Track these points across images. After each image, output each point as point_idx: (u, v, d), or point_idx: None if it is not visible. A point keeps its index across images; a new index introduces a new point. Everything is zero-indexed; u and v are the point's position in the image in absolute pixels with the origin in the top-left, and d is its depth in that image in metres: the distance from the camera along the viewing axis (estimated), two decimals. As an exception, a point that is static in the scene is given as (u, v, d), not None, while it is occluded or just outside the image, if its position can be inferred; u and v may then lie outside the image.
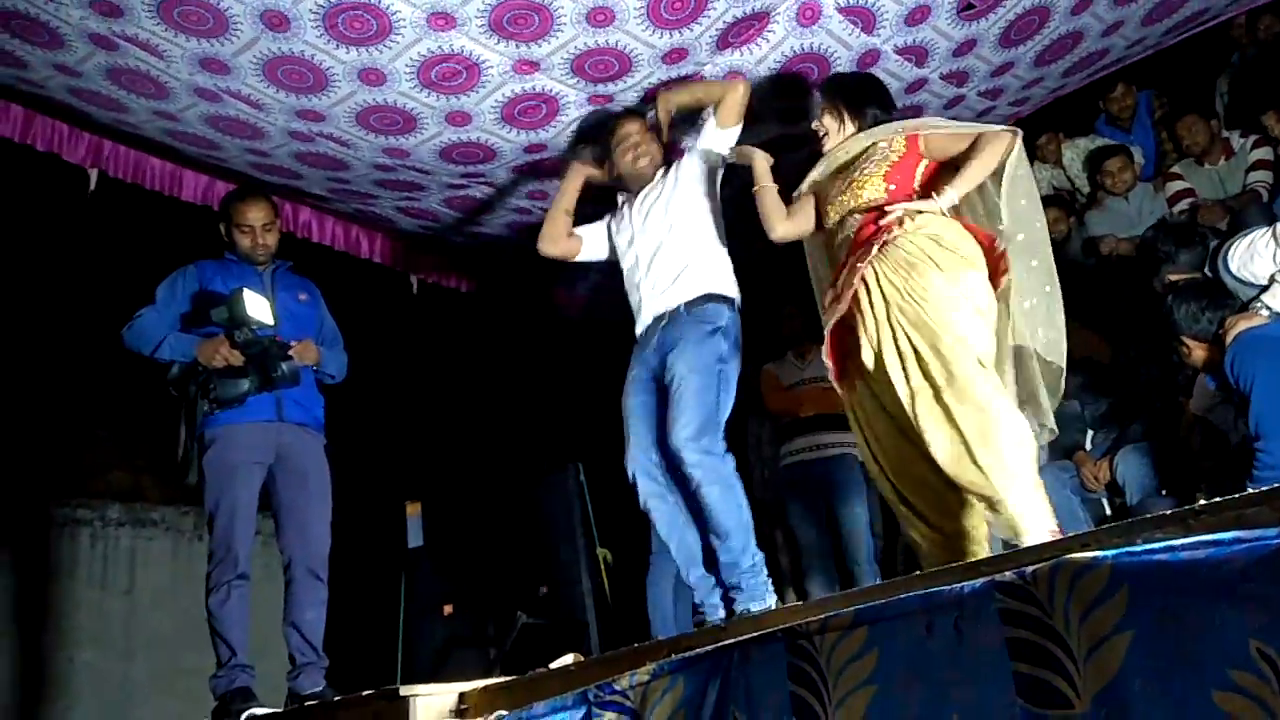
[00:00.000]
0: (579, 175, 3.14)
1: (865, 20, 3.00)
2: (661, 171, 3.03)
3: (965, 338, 2.22)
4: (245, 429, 3.06)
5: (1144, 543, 1.07)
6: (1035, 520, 2.06)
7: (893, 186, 2.50)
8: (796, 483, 4.26)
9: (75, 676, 4.78)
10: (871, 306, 2.35)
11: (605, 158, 3.12)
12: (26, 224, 4.68)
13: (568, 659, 2.13)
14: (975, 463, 2.13)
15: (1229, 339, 2.87)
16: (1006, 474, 2.12)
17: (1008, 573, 1.15)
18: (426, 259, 4.35)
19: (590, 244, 3.12)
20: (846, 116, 2.68)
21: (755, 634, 1.45)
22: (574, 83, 3.08)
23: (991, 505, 2.14)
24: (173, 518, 5.53)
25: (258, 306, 2.95)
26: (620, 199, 3.11)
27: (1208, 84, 4.75)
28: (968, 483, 2.17)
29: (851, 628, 1.32)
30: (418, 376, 5.54)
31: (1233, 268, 3.07)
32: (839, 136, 2.68)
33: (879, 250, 2.35)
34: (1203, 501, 1.13)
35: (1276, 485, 1.08)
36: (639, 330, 2.93)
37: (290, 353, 3.04)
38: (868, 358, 2.36)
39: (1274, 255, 2.94)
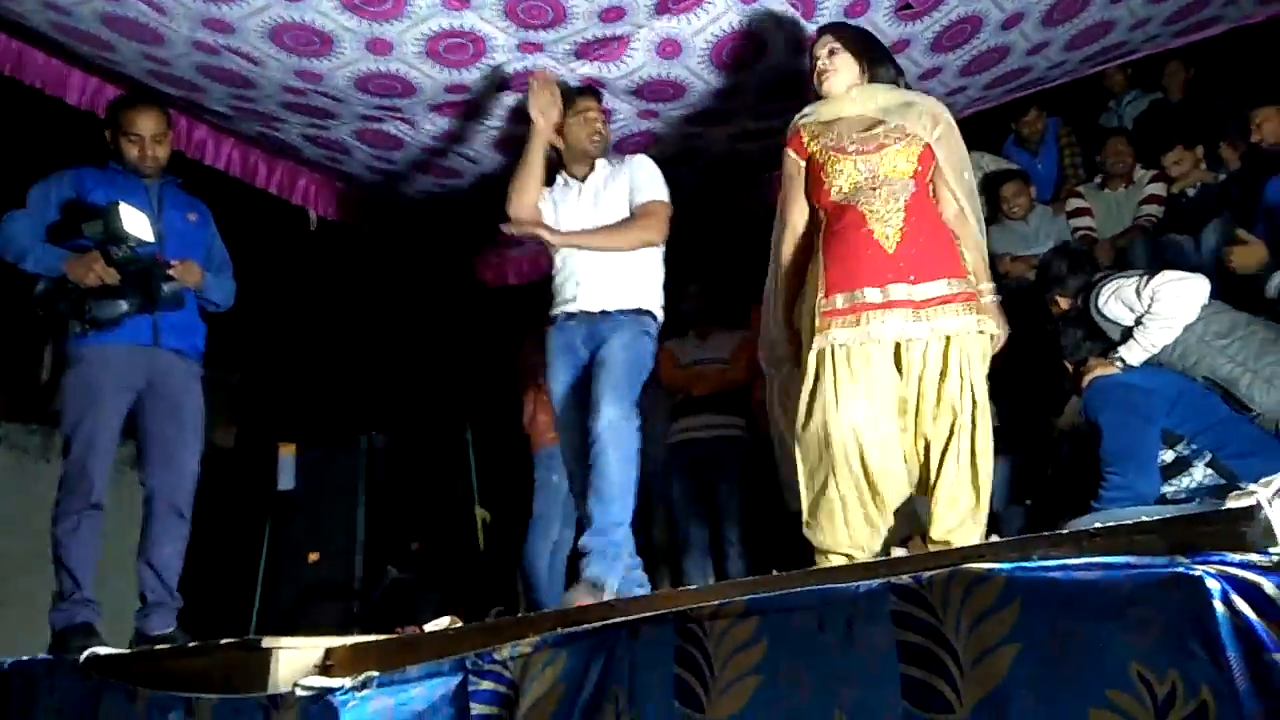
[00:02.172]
0: (544, 141, 2.99)
1: (806, 5, 2.99)
2: (608, 163, 3.04)
3: None
4: (116, 351, 2.87)
5: (1039, 559, 1.10)
6: None
7: (920, 168, 2.44)
8: (683, 461, 4.30)
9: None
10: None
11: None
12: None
13: (444, 621, 2.07)
14: None
15: (1084, 382, 3.07)
16: None
17: (905, 576, 1.16)
18: (327, 193, 4.14)
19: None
20: (863, 64, 2.55)
21: (646, 614, 1.44)
22: (505, 25, 2.97)
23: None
24: (18, 435, 5.19)
25: (136, 222, 2.75)
26: (561, 178, 3.07)
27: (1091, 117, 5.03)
28: None
29: (744, 616, 1.32)
30: (309, 314, 5.32)
31: (1099, 304, 3.23)
32: (849, 80, 2.55)
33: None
34: (1098, 525, 1.16)
35: (1168, 517, 1.12)
36: (564, 310, 2.93)
37: (172, 273, 2.85)
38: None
39: (1134, 306, 3.12)
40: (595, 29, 3.00)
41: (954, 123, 2.52)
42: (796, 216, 2.59)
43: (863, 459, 2.30)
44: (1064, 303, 3.43)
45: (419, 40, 3.01)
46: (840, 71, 2.55)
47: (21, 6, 2.91)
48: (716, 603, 1.34)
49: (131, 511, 2.97)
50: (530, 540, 3.87)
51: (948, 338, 2.32)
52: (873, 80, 2.55)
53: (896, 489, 2.33)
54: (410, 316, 5.28)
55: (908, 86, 2.67)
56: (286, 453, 5.13)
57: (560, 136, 3.03)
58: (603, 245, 2.92)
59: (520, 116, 3.43)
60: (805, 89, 2.69)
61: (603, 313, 2.88)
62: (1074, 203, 4.42)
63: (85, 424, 2.82)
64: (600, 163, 3.04)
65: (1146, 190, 4.28)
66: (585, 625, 1.48)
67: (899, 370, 2.35)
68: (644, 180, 2.96)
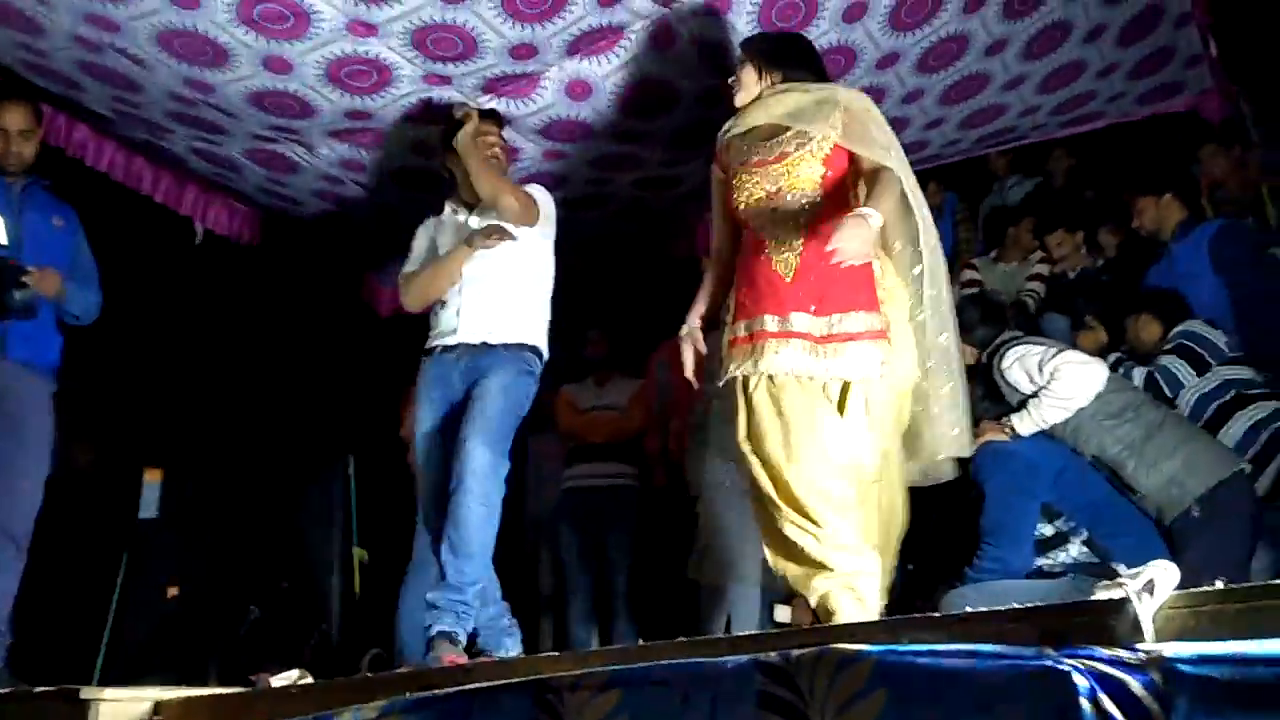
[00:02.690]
0: (467, 258, 2.83)
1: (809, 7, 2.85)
2: None
3: None
4: (-46, 361, 2.63)
5: (909, 642, 1.05)
6: None
7: (829, 173, 2.29)
8: (573, 508, 4.21)
9: None
10: None
11: (444, 147, 2.92)
12: None
13: (291, 675, 1.92)
14: None
15: (976, 444, 3.12)
16: None
17: (773, 654, 1.10)
18: (215, 207, 3.94)
19: None
20: (765, 72, 2.42)
21: (503, 681, 1.34)
22: (411, 56, 2.88)
23: None
24: None
25: None
26: (449, 206, 2.97)
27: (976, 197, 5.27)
28: None
29: (605, 688, 1.24)
30: (185, 332, 5.05)
31: (1002, 366, 3.29)
32: (753, 91, 2.43)
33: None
34: (969, 610, 1.13)
35: (1039, 605, 1.10)
36: (441, 343, 2.81)
37: (26, 280, 2.64)
38: None
39: (1034, 378, 3.19)
40: (505, 65, 2.95)
41: (868, 105, 2.36)
42: (719, 233, 2.52)
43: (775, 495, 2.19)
44: (969, 354, 3.40)
45: (320, 63, 2.90)
46: (744, 83, 2.46)
47: (-119, -16, 2.69)
48: (578, 673, 1.26)
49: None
50: (406, 589, 3.69)
51: (845, 382, 2.18)
52: (786, 83, 2.41)
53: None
54: (295, 340, 5.06)
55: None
56: (152, 478, 4.82)
57: (453, 157, 2.88)
58: (478, 177, 2.76)
59: (421, 149, 3.35)
60: (809, 66, 2.53)
61: (484, 345, 2.75)
62: (968, 274, 4.57)
63: (-88, 439, 2.57)
64: None
65: (1034, 269, 4.46)
66: (437, 690, 1.37)
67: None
68: (530, 188, 2.87)
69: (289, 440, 4.92)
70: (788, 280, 2.25)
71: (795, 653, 1.10)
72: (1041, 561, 3.11)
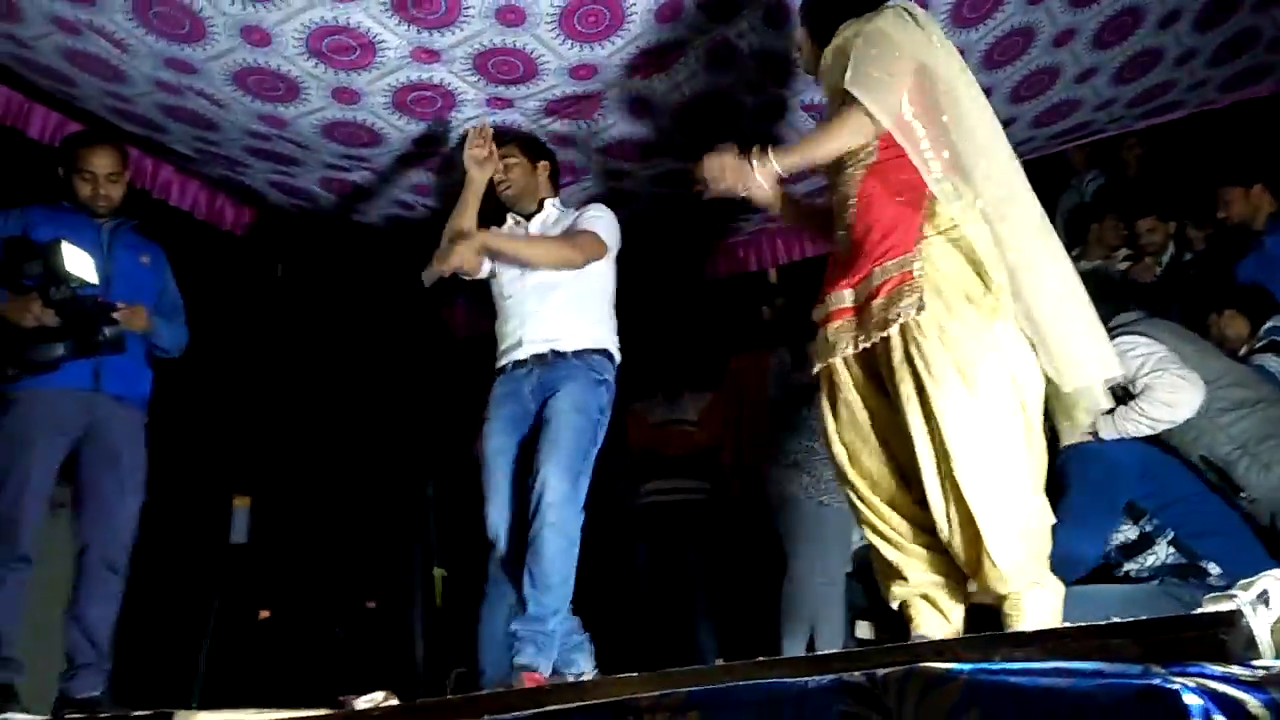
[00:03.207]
0: (478, 192, 2.92)
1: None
2: (558, 207, 2.97)
3: None
4: (53, 396, 2.75)
5: (1001, 660, 1.00)
6: None
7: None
8: (649, 524, 4.19)
9: None
10: None
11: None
12: None
13: (378, 697, 1.94)
14: None
15: (1063, 444, 3.00)
16: None
17: (857, 673, 1.06)
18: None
19: (486, 264, 2.94)
20: (814, 37, 2.29)
21: (579, 704, 1.32)
22: (474, 80, 2.92)
23: None
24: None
25: (79, 261, 2.65)
26: (510, 218, 3.01)
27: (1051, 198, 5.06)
28: None
29: (684, 709, 1.21)
30: (271, 362, 5.20)
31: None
32: (815, 60, 2.30)
33: None
34: (1066, 625, 1.07)
35: (1144, 620, 1.04)
36: (510, 359, 2.81)
37: (116, 316, 2.75)
38: None
39: (1127, 382, 3.03)
40: (566, 85, 2.97)
41: (875, 23, 2.10)
42: None
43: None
44: None
45: (387, 91, 2.96)
46: (803, 54, 2.38)
47: (-19, 39, 2.84)
48: (656, 694, 1.23)
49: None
50: (486, 609, 3.71)
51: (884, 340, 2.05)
52: (832, 41, 2.24)
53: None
54: (374, 366, 5.17)
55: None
56: (240, 504, 4.97)
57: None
58: (519, 252, 2.78)
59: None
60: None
61: (552, 353, 2.73)
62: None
63: (16, 472, 2.69)
64: (550, 203, 2.96)
65: (1119, 266, 4.29)
66: (514, 713, 1.36)
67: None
68: (588, 216, 2.86)
69: (371, 464, 5.01)
70: (846, 254, 2.19)
71: (881, 672, 1.05)
72: (1129, 567, 2.97)
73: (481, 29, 2.69)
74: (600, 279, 2.85)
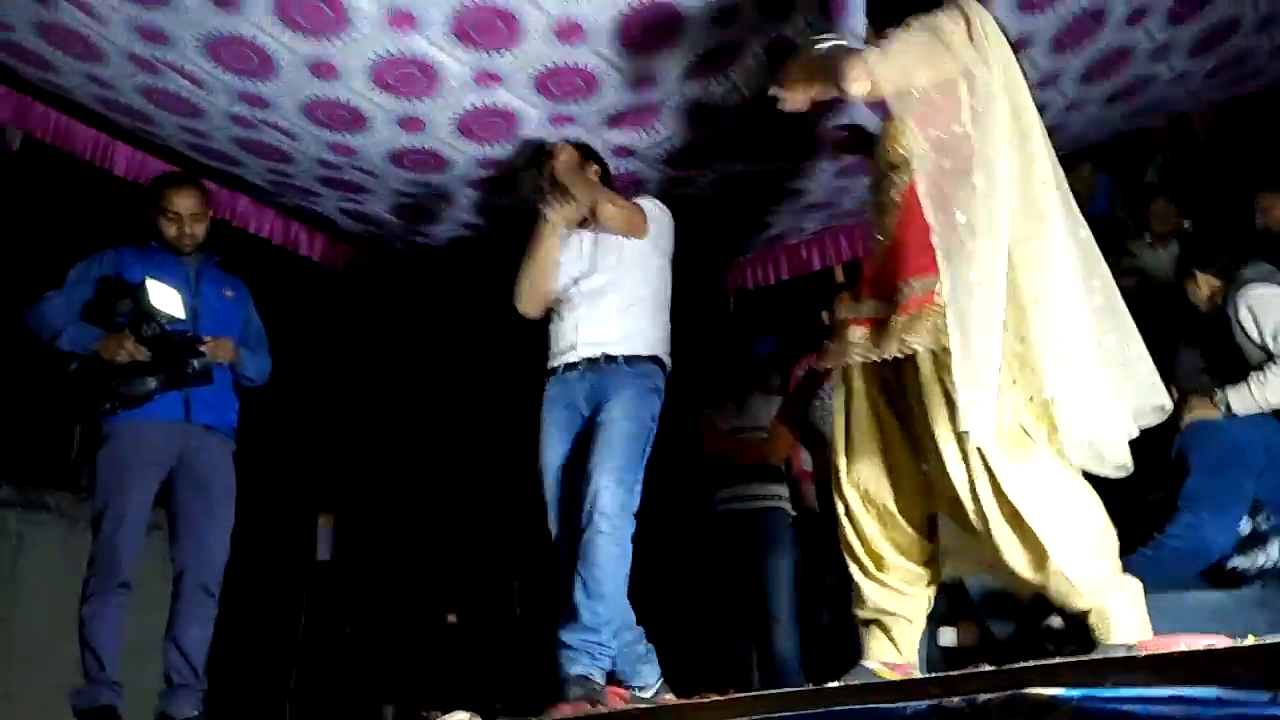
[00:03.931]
0: (557, 238, 2.88)
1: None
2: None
3: None
4: (147, 428, 2.86)
5: (1112, 686, 0.96)
6: None
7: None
8: (726, 533, 4.16)
9: (-58, 663, 4.44)
10: None
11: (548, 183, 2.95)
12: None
13: (462, 716, 1.97)
14: None
15: (1184, 422, 2.84)
16: None
17: (956, 699, 1.03)
18: (367, 263, 4.15)
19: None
20: (876, 35, 2.19)
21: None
22: (536, 100, 2.95)
23: None
24: (67, 504, 5.21)
25: (166, 298, 2.76)
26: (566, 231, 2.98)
27: (1139, 171, 4.86)
28: None
29: (776, 736, 1.19)
30: (348, 383, 5.32)
31: (1238, 309, 2.90)
32: None
33: None
34: (1182, 647, 1.03)
35: (1266, 642, 0.98)
36: (562, 361, 2.80)
37: (203, 349, 2.84)
38: None
39: (1268, 342, 2.80)
40: (625, 98, 2.97)
41: (924, 18, 2.03)
42: None
43: None
44: (1205, 285, 3.02)
45: (451, 118, 3.01)
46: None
47: (67, 81, 2.97)
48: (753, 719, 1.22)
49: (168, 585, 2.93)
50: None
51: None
52: None
53: None
54: (449, 385, 5.25)
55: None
56: (326, 523, 5.10)
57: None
58: (603, 207, 2.77)
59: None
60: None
61: (605, 358, 2.73)
62: (1126, 261, 4.25)
63: (115, 502, 2.80)
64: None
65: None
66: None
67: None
68: (634, 199, 2.87)
69: (447, 480, 5.09)
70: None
71: (981, 697, 1.02)
72: (1237, 562, 2.81)
73: (541, 49, 2.71)
74: (655, 282, 2.85)
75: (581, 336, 2.76)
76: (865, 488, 2.11)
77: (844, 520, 2.13)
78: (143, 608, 2.90)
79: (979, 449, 1.84)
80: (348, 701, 4.32)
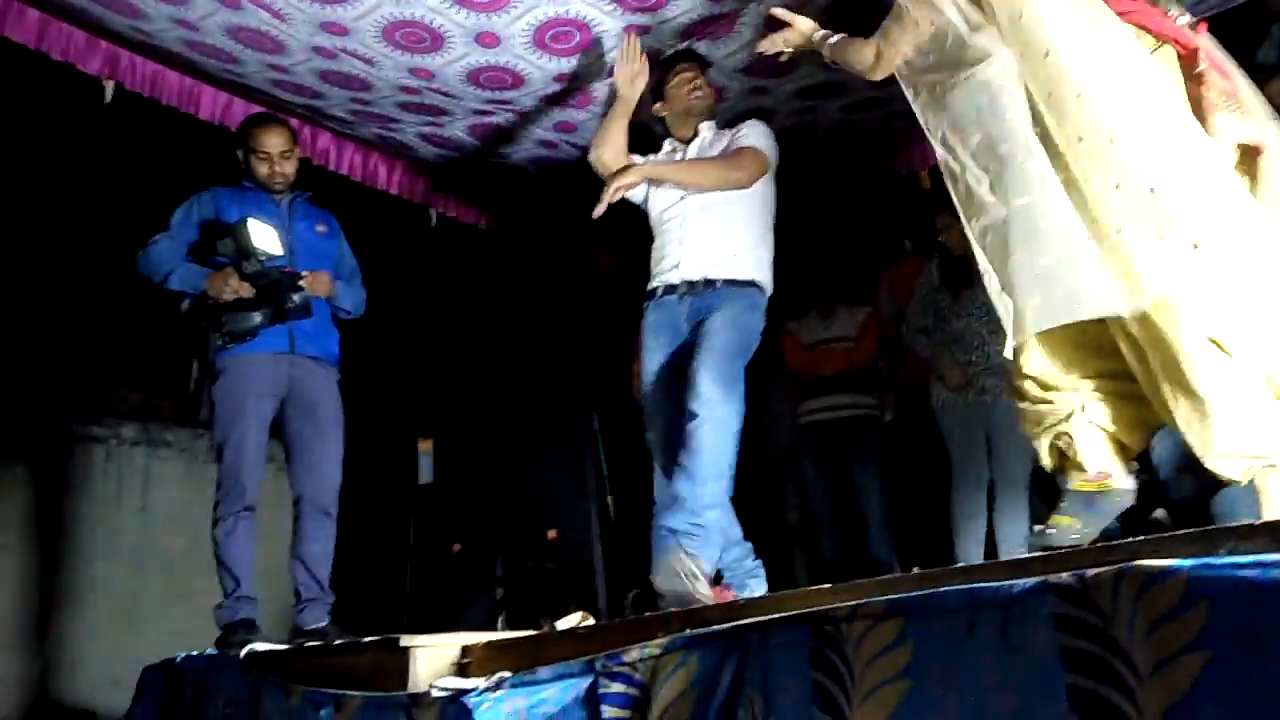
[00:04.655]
0: (629, 107, 2.90)
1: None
2: (714, 128, 2.91)
3: None
4: (256, 360, 2.98)
5: (1227, 554, 0.96)
6: None
7: None
8: (813, 442, 4.18)
9: (86, 589, 4.81)
10: None
11: (654, 97, 2.94)
12: (41, 137, 4.56)
13: (575, 618, 2.05)
14: None
15: None
16: None
17: (1065, 575, 1.04)
18: (445, 192, 4.21)
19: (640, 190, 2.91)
20: None
21: (777, 615, 1.36)
22: (610, 9, 2.91)
23: None
24: (186, 440, 5.52)
25: (265, 236, 2.85)
26: (668, 145, 2.98)
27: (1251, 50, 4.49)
28: None
29: (884, 618, 1.22)
30: (435, 312, 5.46)
31: None
32: None
33: None
34: None
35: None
36: (663, 282, 2.79)
37: (302, 284, 2.94)
38: None
39: None
40: (701, 7, 2.91)
41: None
42: None
43: None
44: None
45: (526, 30, 2.99)
46: None
47: (153, 26, 3.05)
48: (854, 603, 1.25)
49: (289, 510, 3.10)
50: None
51: None
52: None
53: None
54: (532, 309, 5.33)
55: None
56: (425, 448, 5.30)
57: (663, 104, 2.92)
58: (683, 178, 2.77)
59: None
60: None
61: (706, 282, 2.71)
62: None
63: (234, 431, 2.94)
64: (705, 126, 2.91)
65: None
66: (715, 627, 1.41)
67: None
68: (746, 132, 2.81)
69: (538, 399, 5.20)
70: None
71: (1091, 572, 1.03)
72: None
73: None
74: (759, 199, 2.80)
75: (685, 256, 2.74)
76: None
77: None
78: (267, 534, 3.07)
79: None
80: (459, 613, 4.53)
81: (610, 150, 2.86)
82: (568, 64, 3.19)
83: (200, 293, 2.93)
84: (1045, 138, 1.88)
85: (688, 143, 2.92)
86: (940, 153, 2.08)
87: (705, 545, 2.47)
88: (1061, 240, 1.84)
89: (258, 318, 2.89)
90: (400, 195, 4.12)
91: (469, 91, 3.36)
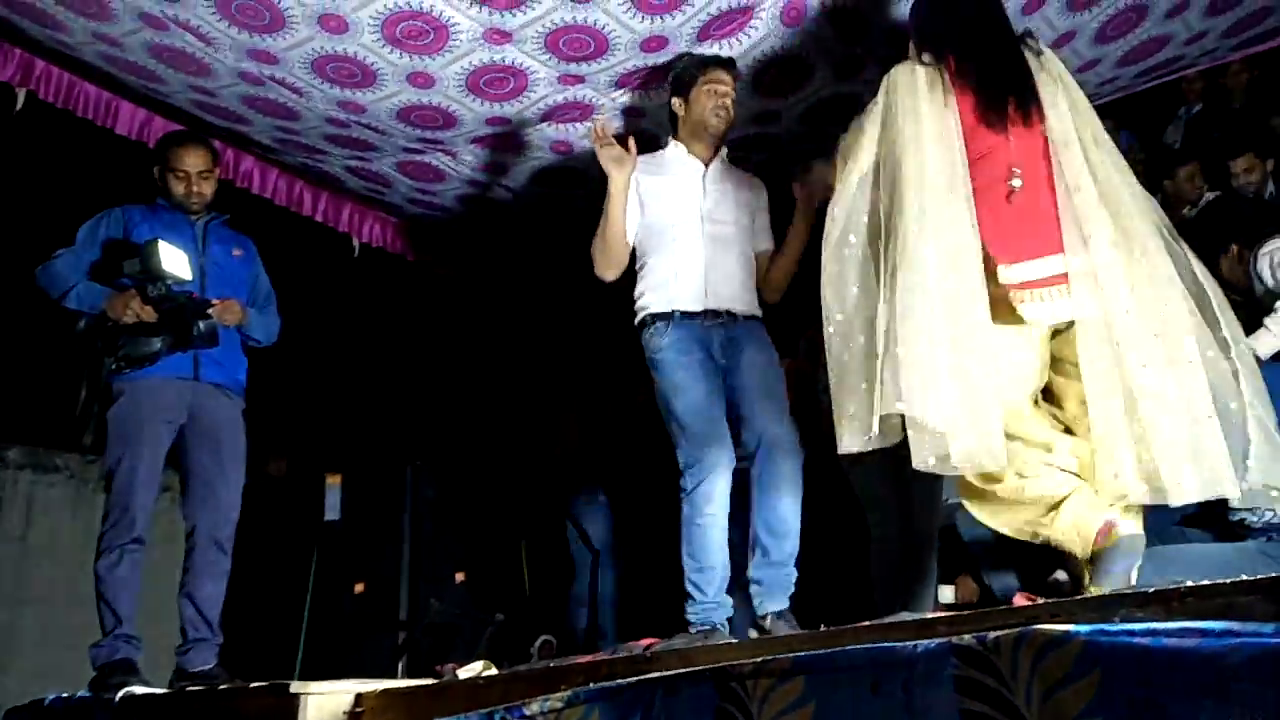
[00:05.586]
0: (625, 196, 2.74)
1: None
2: (724, 160, 2.86)
3: None
4: (157, 385, 2.87)
5: (1122, 621, 0.98)
6: None
7: None
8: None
9: (-44, 621, 4.51)
10: None
11: (674, 88, 2.85)
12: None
13: (478, 666, 2.00)
14: None
15: None
16: None
17: (967, 636, 1.05)
18: (370, 222, 4.15)
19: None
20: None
21: (683, 670, 1.34)
22: (545, 59, 2.93)
23: None
24: (76, 465, 5.26)
25: (174, 260, 2.75)
26: (676, 150, 2.86)
27: (1158, 130, 4.78)
28: None
29: (788, 675, 1.22)
30: (353, 342, 5.34)
31: (1258, 255, 2.98)
32: None
33: None
34: (1189, 584, 1.04)
35: (1273, 576, 1.00)
36: (683, 308, 2.68)
37: (210, 311, 2.85)
38: None
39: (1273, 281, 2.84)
40: (636, 59, 2.95)
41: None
42: None
43: None
44: (1232, 253, 3.11)
45: (460, 74, 2.98)
46: None
47: (72, 39, 2.96)
48: (759, 660, 1.24)
49: (180, 544, 2.96)
50: (601, 571, 3.77)
51: None
52: None
53: None
54: (455, 345, 5.27)
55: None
56: (333, 482, 5.13)
57: (682, 103, 2.82)
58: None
59: (561, 147, 3.42)
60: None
61: (730, 315, 2.70)
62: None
63: (128, 459, 2.81)
64: (723, 153, 2.86)
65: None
66: (619, 680, 1.39)
67: None
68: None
69: (454, 440, 5.12)
70: None
71: (992, 635, 1.04)
72: (1243, 514, 2.81)
73: (552, 7, 2.69)
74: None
75: (710, 287, 2.69)
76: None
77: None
78: (156, 568, 2.93)
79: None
80: (358, 656, 4.37)
81: (616, 269, 2.79)
82: (500, 109, 3.19)
83: (99, 313, 2.81)
84: None
85: (705, 162, 2.83)
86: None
87: (787, 595, 2.58)
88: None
89: (157, 344, 2.78)
90: (325, 222, 4.04)
91: (399, 128, 3.33)
